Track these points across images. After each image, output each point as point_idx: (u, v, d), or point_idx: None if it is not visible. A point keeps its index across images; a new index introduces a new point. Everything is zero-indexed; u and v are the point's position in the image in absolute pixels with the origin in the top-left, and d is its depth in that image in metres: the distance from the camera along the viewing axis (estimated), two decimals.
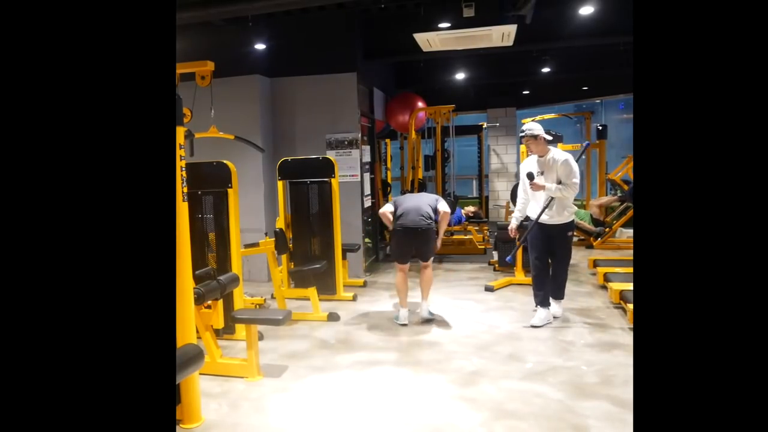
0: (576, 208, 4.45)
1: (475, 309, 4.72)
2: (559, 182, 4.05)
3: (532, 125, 4.12)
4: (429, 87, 8.88)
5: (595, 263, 5.79)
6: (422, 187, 7.61)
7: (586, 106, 10.52)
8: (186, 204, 2.73)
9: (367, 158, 6.36)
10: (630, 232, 7.57)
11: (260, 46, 5.80)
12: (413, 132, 7.61)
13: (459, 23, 5.34)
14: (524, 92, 9.87)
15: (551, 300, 4.37)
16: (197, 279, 3.20)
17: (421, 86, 8.59)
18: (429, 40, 5.77)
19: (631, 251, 6.39)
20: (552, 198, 4.07)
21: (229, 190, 3.87)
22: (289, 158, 5.19)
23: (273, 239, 4.67)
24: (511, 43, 5.98)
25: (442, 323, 4.35)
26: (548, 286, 4.30)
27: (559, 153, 4.13)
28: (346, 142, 5.94)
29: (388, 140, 9.33)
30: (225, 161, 3.90)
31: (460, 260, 6.88)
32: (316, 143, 5.97)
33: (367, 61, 6.41)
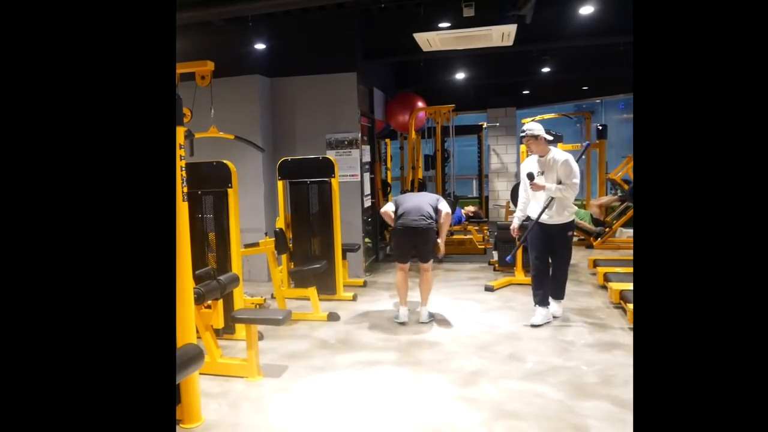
0: (576, 208, 4.45)
1: (475, 309, 4.72)
2: (560, 182, 4.05)
3: (532, 125, 4.13)
4: (429, 87, 8.88)
5: (595, 263, 5.79)
6: (422, 187, 7.61)
7: (586, 106, 10.52)
8: (186, 204, 2.73)
9: (367, 158, 6.36)
10: (630, 232, 7.57)
11: (260, 46, 5.80)
12: (413, 132, 7.60)
13: (459, 23, 5.34)
14: (524, 92, 9.88)
15: (551, 300, 4.38)
16: (197, 279, 3.20)
17: (421, 86, 8.59)
18: (429, 40, 5.77)
19: (631, 251, 6.39)
20: (552, 198, 4.08)
21: (229, 190, 3.87)
22: (289, 158, 5.19)
23: (273, 239, 4.67)
24: (511, 43, 5.98)
25: (442, 323, 4.35)
26: (547, 285, 4.30)
27: (559, 153, 4.13)
28: (346, 142, 5.94)
29: (388, 140, 9.33)
30: (225, 161, 3.90)
31: (460, 260, 6.88)
32: (316, 143, 5.97)
33: (367, 61, 6.41)
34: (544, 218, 4.15)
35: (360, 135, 5.96)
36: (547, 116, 8.75)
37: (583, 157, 6.31)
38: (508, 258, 4.54)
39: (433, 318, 4.42)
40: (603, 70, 7.98)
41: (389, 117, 7.82)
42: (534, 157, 4.23)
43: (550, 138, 4.17)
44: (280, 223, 5.00)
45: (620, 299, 4.43)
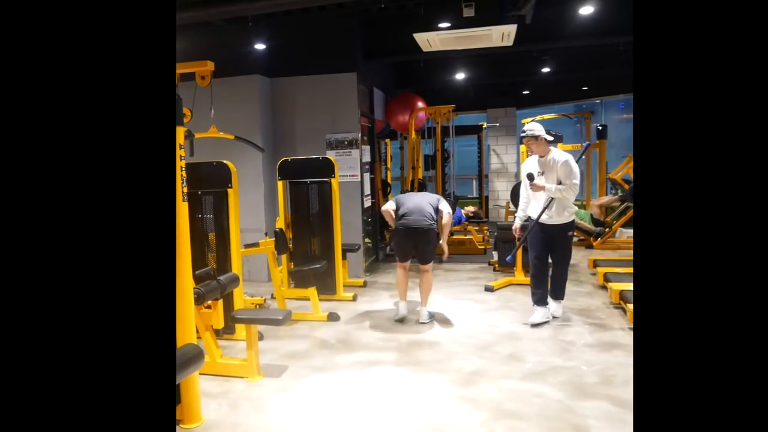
0: (576, 208, 4.45)
1: (475, 309, 4.72)
2: (560, 183, 4.05)
3: (533, 125, 4.13)
4: (429, 87, 8.88)
5: (595, 263, 5.79)
6: (422, 187, 7.61)
7: (586, 106, 10.52)
8: (186, 204, 2.73)
9: (367, 158, 6.36)
10: (630, 232, 7.57)
11: (260, 46, 5.80)
12: (413, 132, 7.60)
13: (459, 23, 5.34)
14: (524, 92, 9.87)
15: (552, 300, 4.38)
16: (197, 279, 3.20)
17: (421, 86, 8.59)
18: (429, 40, 5.77)
19: (631, 251, 6.39)
20: (552, 198, 4.08)
21: (229, 190, 3.87)
22: (289, 158, 5.19)
23: (273, 239, 4.67)
24: (511, 43, 5.98)
25: (442, 323, 4.35)
26: (546, 285, 4.31)
27: (559, 153, 4.13)
28: (346, 142, 5.94)
29: (388, 140, 9.32)
30: (225, 161, 3.90)
31: (460, 260, 6.88)
32: (316, 143, 5.97)
33: (367, 61, 6.40)
34: (544, 218, 4.16)
35: (360, 135, 5.96)
36: (547, 116, 8.75)
37: (583, 157, 6.31)
38: (508, 258, 4.54)
39: (433, 318, 4.42)
40: (603, 70, 7.98)
41: (389, 117, 7.82)
42: (534, 158, 4.24)
43: (551, 138, 4.18)
44: (280, 223, 5.00)
45: (620, 299, 4.43)
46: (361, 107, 6.09)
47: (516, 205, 5.43)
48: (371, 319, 4.53)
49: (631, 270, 5.07)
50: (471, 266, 6.53)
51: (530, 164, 4.27)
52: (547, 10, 5.45)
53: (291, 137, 6.08)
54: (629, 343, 3.71)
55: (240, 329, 3.99)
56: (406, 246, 4.39)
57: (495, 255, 6.53)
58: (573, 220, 4.26)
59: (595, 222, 7.54)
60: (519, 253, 5.37)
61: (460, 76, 8.37)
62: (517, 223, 4.40)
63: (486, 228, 8.46)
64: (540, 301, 4.28)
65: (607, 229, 7.46)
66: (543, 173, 4.16)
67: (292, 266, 4.99)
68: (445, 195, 7.87)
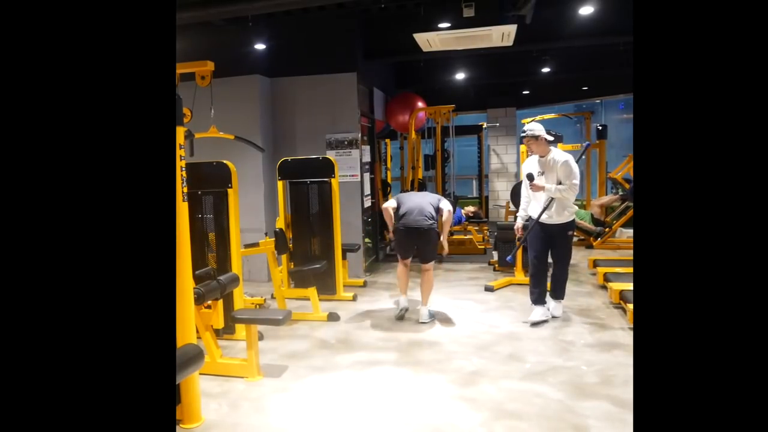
0: (576, 208, 4.46)
1: (475, 309, 4.72)
2: (560, 183, 4.06)
3: (533, 126, 4.13)
4: (429, 87, 8.87)
5: (595, 263, 5.79)
6: (422, 187, 7.61)
7: (586, 106, 10.52)
8: (186, 204, 2.73)
9: (367, 158, 6.36)
10: (630, 232, 7.57)
11: (260, 46, 5.80)
12: (413, 132, 7.60)
13: (459, 23, 5.34)
14: (524, 92, 9.87)
15: (552, 300, 4.39)
16: (197, 279, 3.20)
17: (421, 86, 8.58)
18: (429, 40, 5.77)
19: (631, 251, 6.39)
20: (552, 198, 4.08)
21: (229, 190, 3.87)
22: (289, 158, 5.19)
23: (273, 239, 4.67)
24: (511, 43, 5.98)
25: (442, 323, 4.35)
26: (545, 284, 4.32)
27: (559, 154, 4.13)
28: (346, 142, 5.94)
29: (388, 140, 9.32)
30: (225, 161, 3.90)
31: (460, 260, 6.88)
32: (316, 143, 5.97)
33: (367, 61, 6.40)
34: (544, 218, 4.16)
35: (360, 135, 5.96)
36: (547, 116, 8.75)
37: (583, 157, 6.31)
38: (508, 258, 4.55)
39: (433, 318, 4.42)
40: (603, 70, 7.98)
41: (389, 117, 7.82)
42: (535, 157, 4.24)
43: (551, 138, 4.18)
44: (280, 223, 5.00)
45: (620, 299, 4.43)
46: (361, 107, 6.09)
47: (516, 205, 5.43)
48: (371, 319, 4.53)
49: (631, 270, 5.07)
50: (471, 266, 6.53)
51: (530, 164, 4.27)
52: (547, 10, 5.45)
53: (291, 137, 6.08)
54: (629, 343, 3.71)
55: (240, 329, 3.99)
56: (406, 245, 4.42)
57: (495, 255, 6.53)
58: (573, 220, 4.26)
59: (596, 222, 7.54)
60: (519, 253, 5.37)
61: (460, 76, 8.37)
62: (519, 223, 4.40)
63: (486, 228, 8.46)
64: (538, 300, 4.29)
65: (607, 229, 7.46)
66: (543, 173, 4.16)
67: (292, 266, 4.99)
68: (445, 195, 7.86)
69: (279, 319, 3.39)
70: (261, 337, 3.95)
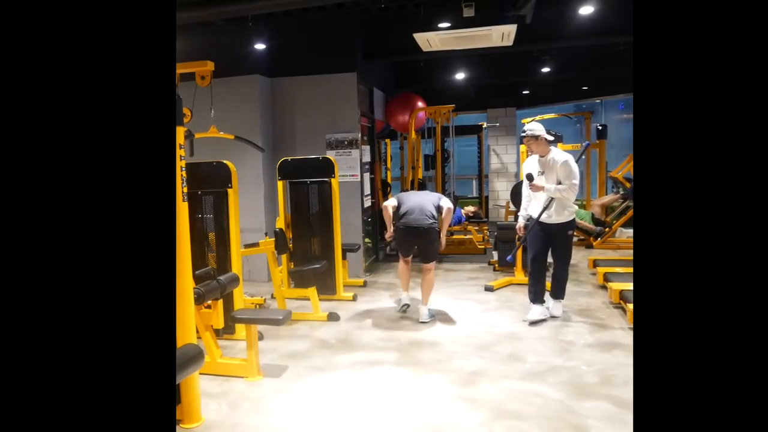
0: (576, 207, 4.46)
1: (475, 309, 4.72)
2: (560, 183, 4.06)
3: (533, 125, 4.13)
4: (429, 87, 8.87)
5: (595, 263, 5.79)
6: (422, 187, 7.62)
7: (586, 106, 10.52)
8: (186, 204, 2.73)
9: (367, 158, 6.36)
10: (630, 232, 7.57)
11: (260, 46, 5.80)
12: (413, 132, 7.60)
13: (459, 23, 5.34)
14: (524, 92, 9.87)
15: (552, 299, 4.39)
16: (197, 279, 3.20)
17: (421, 86, 8.58)
18: (429, 40, 5.77)
19: (631, 251, 6.39)
20: (552, 198, 4.09)
21: (229, 190, 3.87)
22: (289, 158, 5.19)
23: (273, 239, 4.67)
24: (511, 43, 5.98)
25: (442, 323, 4.35)
26: (543, 283, 4.33)
27: (559, 154, 4.14)
28: (346, 142, 5.94)
29: (388, 140, 9.32)
30: (225, 161, 3.90)
31: (460, 260, 6.88)
32: (316, 143, 5.97)
33: (367, 61, 6.40)
34: (544, 217, 4.17)
35: (360, 135, 5.96)
36: (547, 116, 8.75)
37: (583, 157, 6.32)
38: (508, 257, 4.55)
39: (433, 318, 4.43)
40: (603, 70, 7.98)
41: (389, 117, 7.82)
42: (535, 157, 4.25)
43: (551, 138, 4.18)
44: (280, 223, 5.00)
45: (620, 299, 4.43)
46: (361, 107, 6.09)
47: (516, 205, 5.44)
48: (371, 318, 4.53)
49: (631, 270, 5.07)
50: (471, 266, 6.53)
51: (531, 164, 4.28)
52: (547, 10, 5.45)
53: (291, 137, 6.08)
54: (629, 343, 3.71)
55: (240, 329, 3.99)
56: (407, 244, 4.45)
57: (495, 255, 6.53)
58: (573, 219, 4.26)
59: (596, 222, 7.53)
60: (519, 253, 5.37)
61: (460, 76, 8.37)
62: (521, 222, 4.41)
63: (486, 228, 8.46)
64: (537, 299, 4.30)
65: (607, 229, 7.46)
66: (543, 173, 4.17)
67: (292, 266, 4.99)
68: (446, 195, 7.86)
69: (279, 319, 3.39)
70: (261, 337, 3.95)
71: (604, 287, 5.13)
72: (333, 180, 5.03)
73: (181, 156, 2.66)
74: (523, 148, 5.08)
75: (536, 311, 4.26)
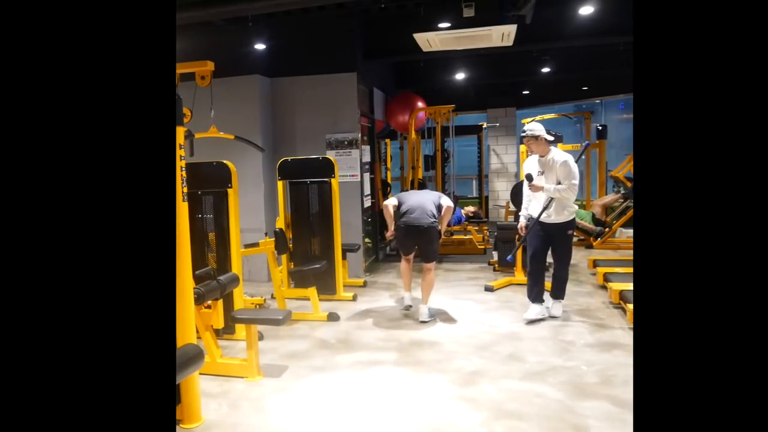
0: (576, 207, 4.46)
1: (475, 309, 4.72)
2: (559, 183, 4.06)
3: (533, 125, 4.14)
4: (429, 87, 8.87)
5: (595, 263, 5.79)
6: (422, 187, 7.61)
7: (586, 106, 10.53)
8: (186, 204, 2.73)
9: (367, 158, 6.36)
10: (630, 232, 7.57)
11: (260, 46, 5.80)
12: (413, 132, 7.60)
13: (459, 23, 5.34)
14: (524, 92, 9.87)
15: (552, 300, 4.39)
16: (197, 279, 3.20)
17: (421, 86, 8.58)
18: (429, 40, 5.77)
19: (631, 251, 6.39)
20: (551, 198, 4.09)
21: (229, 190, 3.87)
22: (289, 158, 5.19)
23: (273, 239, 4.67)
24: (511, 43, 5.98)
25: (442, 323, 4.36)
26: (542, 282, 4.33)
27: (559, 154, 4.14)
28: (346, 142, 5.94)
29: (388, 140, 9.32)
30: (225, 161, 3.90)
31: (460, 260, 6.88)
32: (316, 143, 5.97)
33: (367, 61, 6.40)
34: (543, 217, 4.18)
35: (360, 135, 5.96)
36: (547, 116, 8.75)
37: (583, 157, 6.32)
38: (508, 257, 4.56)
39: (433, 317, 4.43)
40: (603, 70, 7.98)
41: (389, 117, 7.82)
42: (535, 157, 4.26)
43: (551, 138, 4.18)
44: (280, 223, 5.00)
45: (620, 299, 4.43)
46: (361, 107, 6.09)
47: (516, 205, 5.44)
48: (371, 318, 4.53)
49: (631, 270, 5.07)
50: (471, 266, 6.53)
51: (531, 164, 4.29)
52: (547, 10, 5.45)
53: (291, 137, 6.08)
54: (629, 343, 3.71)
55: (240, 329, 3.99)
56: (407, 243, 4.47)
57: (495, 255, 6.53)
58: (573, 219, 4.27)
59: (597, 222, 7.53)
60: (519, 253, 5.37)
61: (460, 76, 8.37)
62: (522, 222, 4.42)
63: (486, 228, 8.46)
64: (536, 298, 4.30)
65: (606, 229, 7.46)
66: (543, 173, 4.17)
67: (292, 266, 4.99)
68: (446, 195, 7.86)
69: (279, 319, 3.39)
70: (261, 337, 3.95)
71: (604, 287, 5.13)
72: (333, 180, 5.03)
73: (181, 156, 2.66)
74: (523, 148, 5.08)
75: (534, 310, 4.27)
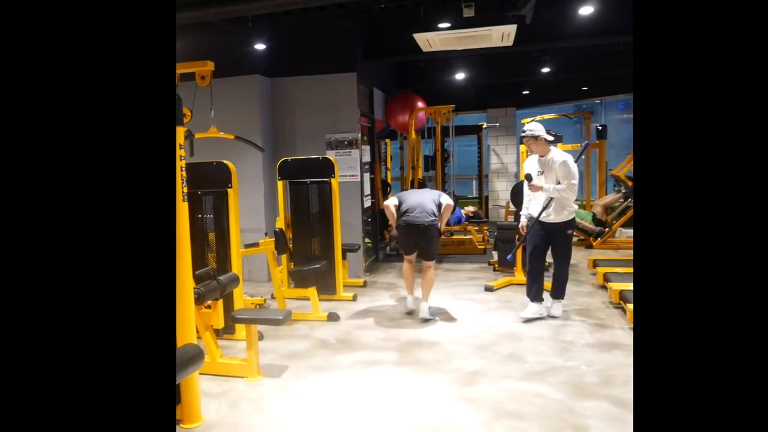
0: (576, 207, 4.47)
1: (475, 309, 4.72)
2: (558, 183, 4.07)
3: (533, 126, 4.14)
4: (429, 87, 8.88)
5: (595, 263, 5.79)
6: (422, 187, 7.61)
7: (586, 106, 10.53)
8: (186, 204, 2.73)
9: (367, 158, 6.36)
10: (630, 232, 7.57)
11: (260, 46, 5.80)
12: (413, 132, 7.60)
13: (459, 23, 5.34)
14: (524, 92, 9.87)
15: (552, 299, 4.39)
16: (197, 279, 3.20)
17: (421, 86, 8.59)
18: (429, 40, 5.77)
19: (631, 251, 6.39)
20: (551, 198, 4.10)
21: (229, 190, 3.87)
22: (289, 158, 5.19)
23: (273, 239, 4.67)
24: (511, 43, 5.98)
25: (443, 323, 4.36)
26: (541, 282, 4.34)
27: (558, 154, 4.15)
28: (346, 142, 5.94)
29: (388, 140, 9.33)
30: (225, 161, 3.90)
31: (460, 260, 6.88)
32: (316, 143, 5.97)
33: (367, 61, 6.40)
34: (543, 216, 4.19)
35: (360, 135, 5.96)
36: (547, 116, 8.75)
37: (583, 157, 6.32)
38: (508, 256, 4.57)
39: (434, 317, 4.43)
40: (603, 70, 7.99)
41: (389, 117, 7.82)
42: (535, 157, 4.27)
43: (551, 138, 4.19)
44: (280, 223, 5.00)
45: (620, 299, 4.44)
46: (361, 107, 6.09)
47: (516, 205, 5.44)
48: (371, 319, 4.53)
49: (631, 270, 5.07)
50: (471, 266, 6.53)
51: (531, 163, 4.30)
52: (547, 10, 5.45)
53: (291, 137, 6.08)
54: (629, 343, 3.71)
55: (240, 329, 3.99)
56: (408, 242, 4.46)
57: (495, 255, 6.53)
58: (573, 219, 4.27)
59: (597, 222, 7.53)
60: (519, 253, 5.37)
61: (460, 76, 8.37)
62: (523, 221, 4.43)
63: (486, 228, 8.46)
64: (535, 296, 4.31)
65: (606, 229, 7.46)
66: (543, 173, 4.18)
67: (292, 266, 4.99)
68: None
69: (279, 319, 3.39)
70: (261, 337, 3.95)
71: (604, 287, 5.13)
72: (333, 180, 5.03)
73: (181, 156, 2.66)
74: (523, 148, 5.09)
75: (531, 309, 4.29)
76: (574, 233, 4.76)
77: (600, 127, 8.50)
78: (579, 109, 10.30)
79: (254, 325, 3.34)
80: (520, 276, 5.56)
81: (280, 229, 4.82)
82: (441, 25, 5.45)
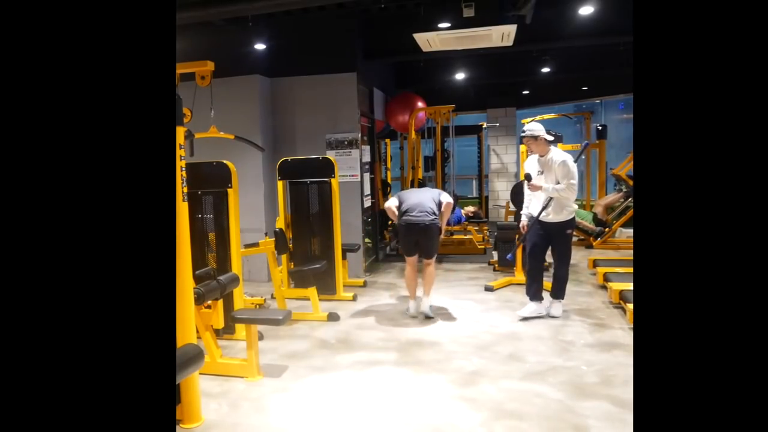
0: (576, 207, 4.47)
1: (475, 309, 4.72)
2: (558, 182, 4.08)
3: (533, 126, 4.15)
4: (429, 87, 8.88)
5: (595, 263, 5.79)
6: (422, 186, 7.61)
7: (586, 106, 10.53)
8: (186, 204, 2.73)
9: (367, 158, 6.36)
10: (630, 232, 7.57)
11: (260, 46, 5.80)
12: (413, 132, 7.61)
13: (459, 23, 5.34)
14: (524, 92, 9.88)
15: (552, 299, 4.39)
16: (197, 279, 3.20)
17: (421, 86, 8.59)
18: (429, 40, 5.77)
19: (631, 251, 6.39)
20: (550, 197, 4.11)
21: (229, 190, 3.87)
22: (289, 158, 5.19)
23: (273, 239, 4.67)
24: (511, 43, 5.98)
25: (443, 323, 4.36)
26: (540, 281, 4.34)
27: (558, 153, 4.15)
28: (346, 142, 5.94)
29: (388, 140, 9.33)
30: (225, 161, 3.90)
31: (460, 260, 6.88)
32: (316, 143, 5.97)
33: (367, 61, 6.40)
34: (543, 216, 4.19)
35: (360, 135, 5.96)
36: (547, 116, 8.76)
37: (583, 156, 6.32)
38: (508, 256, 4.57)
39: (434, 317, 4.43)
40: (603, 70, 7.99)
41: (389, 117, 7.83)
42: (535, 157, 4.28)
43: (551, 138, 4.19)
44: (280, 223, 5.00)
45: (620, 299, 4.44)
46: (361, 107, 6.10)
47: (516, 204, 5.45)
48: (371, 319, 4.53)
49: (631, 270, 5.07)
50: (471, 266, 6.53)
51: (531, 163, 4.30)
52: (547, 10, 5.45)
53: (291, 137, 6.08)
54: (629, 343, 3.71)
55: (240, 329, 3.99)
56: (408, 241, 4.46)
57: (495, 255, 6.53)
58: (572, 219, 4.27)
59: (598, 222, 7.53)
60: (519, 253, 5.38)
61: (460, 76, 8.37)
62: (524, 221, 4.44)
63: (486, 228, 8.47)
64: (534, 295, 4.31)
65: (606, 229, 7.46)
66: (542, 173, 4.19)
67: (292, 266, 4.99)
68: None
69: (279, 319, 3.39)
70: (261, 337, 3.95)
71: (604, 287, 5.13)
72: (333, 180, 5.03)
73: (181, 156, 2.66)
74: (523, 148, 5.09)
75: (529, 308, 4.31)
76: (574, 233, 4.76)
77: (600, 127, 8.50)
78: (579, 109, 10.30)
79: (254, 325, 3.34)
80: (520, 276, 5.55)
81: (280, 229, 4.82)
82: (441, 25, 5.46)
